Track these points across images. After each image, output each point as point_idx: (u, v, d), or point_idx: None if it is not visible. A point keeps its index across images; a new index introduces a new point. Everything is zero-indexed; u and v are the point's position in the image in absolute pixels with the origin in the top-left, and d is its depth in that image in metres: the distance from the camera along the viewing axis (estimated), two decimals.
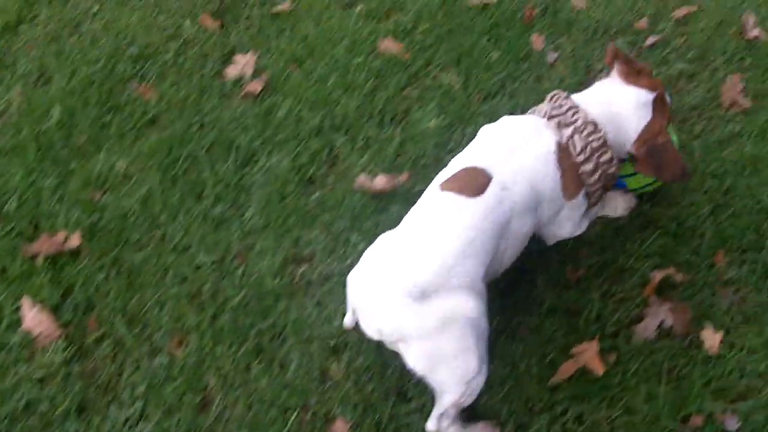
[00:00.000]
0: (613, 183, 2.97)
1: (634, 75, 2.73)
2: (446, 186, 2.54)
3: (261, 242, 3.32)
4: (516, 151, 2.61)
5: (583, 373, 2.87)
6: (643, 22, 4.13)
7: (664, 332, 3.00)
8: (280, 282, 3.19)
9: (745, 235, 3.23)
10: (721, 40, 4.03)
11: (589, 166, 2.68)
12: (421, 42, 4.07)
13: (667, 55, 3.97)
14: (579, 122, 2.65)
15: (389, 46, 4.04)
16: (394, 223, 2.72)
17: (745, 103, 3.67)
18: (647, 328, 3.02)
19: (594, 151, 2.74)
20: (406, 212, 2.71)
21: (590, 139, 2.73)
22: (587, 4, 4.23)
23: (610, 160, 2.76)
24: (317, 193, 3.48)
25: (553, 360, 2.92)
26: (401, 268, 2.35)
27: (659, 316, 3.04)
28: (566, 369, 2.88)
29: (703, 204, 3.31)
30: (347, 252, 3.25)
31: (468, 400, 2.47)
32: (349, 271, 2.68)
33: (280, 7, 4.33)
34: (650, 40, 4.03)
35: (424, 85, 3.87)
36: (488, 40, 4.06)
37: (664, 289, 3.09)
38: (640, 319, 3.03)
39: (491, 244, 2.47)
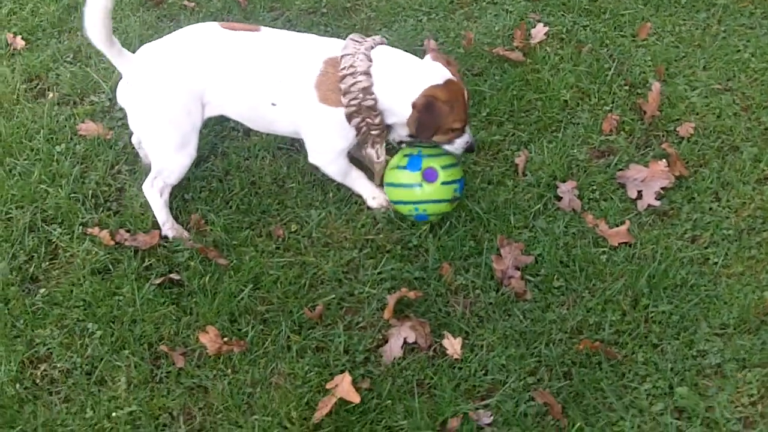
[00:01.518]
0: (379, 137, 4.03)
1: (443, 60, 3.87)
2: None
3: None
4: (305, 40, 4.03)
5: (342, 404, 3.56)
6: None
7: (409, 348, 3.85)
8: (21, 387, 3.71)
9: (464, 243, 4.18)
10: None
11: (345, 85, 3.79)
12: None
13: None
14: (358, 63, 3.80)
15: (90, 127, 4.79)
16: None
17: None
18: (393, 349, 3.82)
19: (353, 79, 3.81)
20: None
21: (358, 78, 3.81)
22: None
23: (373, 106, 3.87)
24: (43, 290, 4.06)
25: (311, 400, 3.62)
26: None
27: (402, 334, 3.84)
28: (324, 405, 3.55)
29: (421, 224, 4.28)
30: (86, 342, 3.85)
31: (168, 178, 4.14)
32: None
33: None
34: None
35: (134, 160, 4.66)
36: None
37: (403, 309, 3.95)
38: (385, 341, 3.85)
39: (228, 71, 3.95)
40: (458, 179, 4.12)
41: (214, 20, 5.06)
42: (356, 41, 3.86)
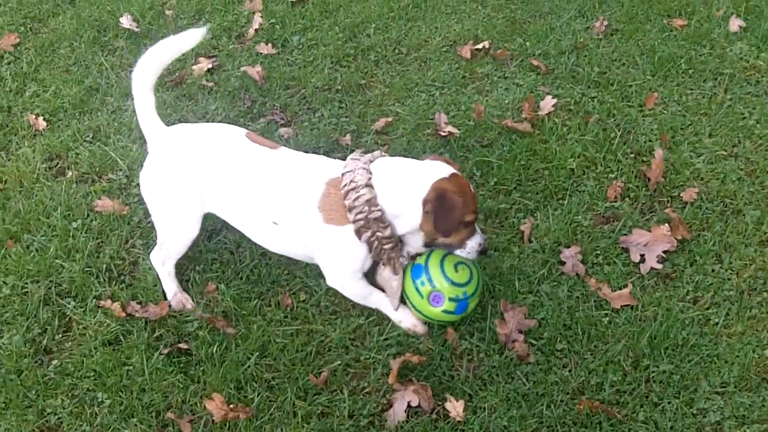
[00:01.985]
0: (393, 251, 3.97)
1: (442, 159, 3.93)
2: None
3: (4, 423, 3.92)
4: (313, 161, 4.07)
5: None
6: (346, 138, 5.40)
7: (413, 412, 3.92)
8: None
9: None
10: (420, 141, 5.38)
11: (349, 201, 3.78)
12: (138, 194, 5.03)
13: None
14: (358, 178, 3.81)
15: (106, 204, 4.98)
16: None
17: None
18: (397, 413, 3.89)
19: (356, 193, 3.79)
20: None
21: (360, 191, 3.79)
22: (294, 132, 5.48)
23: (380, 217, 3.80)
24: (56, 361, 4.19)
25: None
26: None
27: (406, 398, 3.91)
28: None
29: None
30: (95, 411, 3.97)
31: (169, 251, 4.33)
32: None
33: None
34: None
35: (149, 235, 4.85)
36: None
37: (407, 373, 4.03)
38: (390, 405, 3.93)
39: (230, 178, 4.04)
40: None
41: (232, 99, 5.33)
42: (355, 159, 3.87)
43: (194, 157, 3.99)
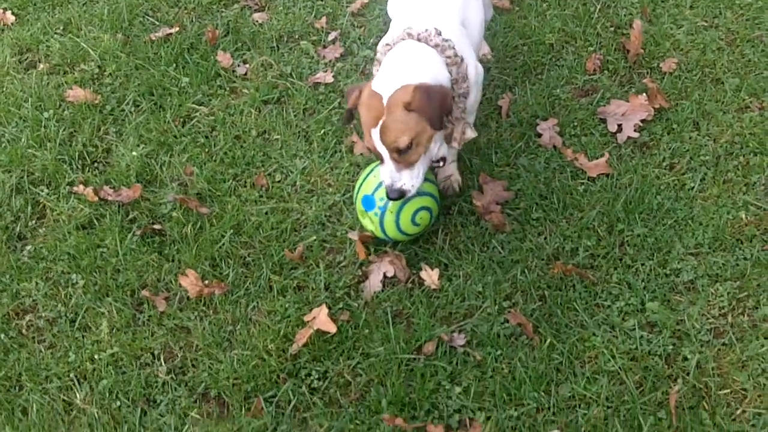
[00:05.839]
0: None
1: None
2: None
3: None
4: None
5: (320, 335, 3.76)
6: (322, 21, 5.39)
7: (389, 282, 4.00)
8: (7, 337, 3.94)
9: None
10: None
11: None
12: (111, 83, 5.08)
13: (350, 45, 5.27)
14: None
15: (78, 94, 5.00)
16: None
17: None
18: (373, 284, 3.96)
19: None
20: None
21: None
22: (269, 16, 5.49)
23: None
24: (30, 247, 4.28)
25: (290, 333, 3.80)
26: None
27: (381, 269, 4.01)
28: (301, 337, 3.75)
29: None
30: (70, 292, 4.07)
31: None
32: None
33: None
34: (331, 35, 5.31)
35: (122, 122, 4.88)
36: (175, 68, 5.17)
37: (382, 246, 4.15)
38: (366, 277, 4.02)
39: None
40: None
41: None
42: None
43: None
